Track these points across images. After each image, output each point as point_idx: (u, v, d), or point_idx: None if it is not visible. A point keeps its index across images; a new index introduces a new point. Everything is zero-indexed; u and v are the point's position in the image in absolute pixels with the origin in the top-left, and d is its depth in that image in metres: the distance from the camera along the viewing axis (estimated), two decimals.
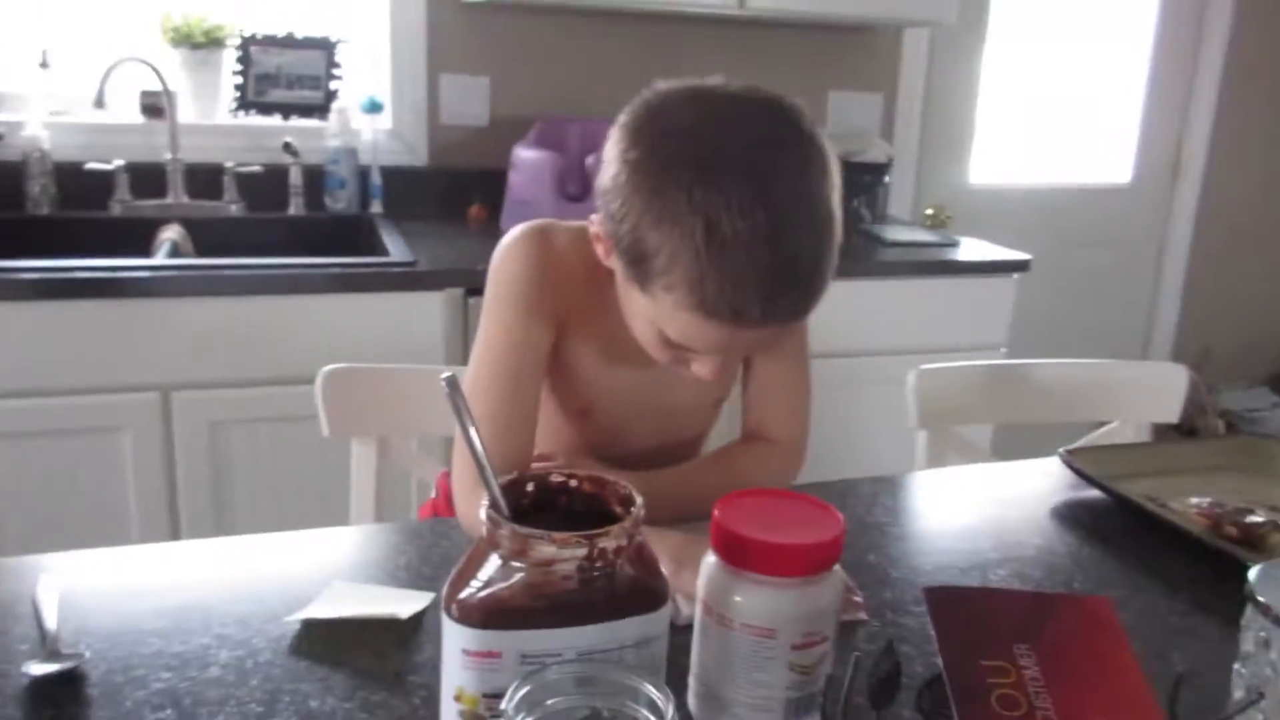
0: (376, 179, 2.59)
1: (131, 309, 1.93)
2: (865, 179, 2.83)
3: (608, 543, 0.63)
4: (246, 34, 2.53)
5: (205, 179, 2.50)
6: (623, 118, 0.92)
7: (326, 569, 0.98)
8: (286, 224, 2.54)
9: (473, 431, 0.68)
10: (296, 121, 2.60)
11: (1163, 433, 1.70)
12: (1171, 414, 1.62)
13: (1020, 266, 2.58)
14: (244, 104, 2.56)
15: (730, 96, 0.91)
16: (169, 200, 2.46)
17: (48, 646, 0.80)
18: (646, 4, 2.55)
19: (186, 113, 2.51)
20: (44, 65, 2.40)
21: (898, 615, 0.94)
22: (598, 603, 0.63)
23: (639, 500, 0.67)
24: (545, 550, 0.62)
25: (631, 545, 0.65)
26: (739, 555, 0.70)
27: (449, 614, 0.64)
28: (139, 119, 2.48)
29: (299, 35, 2.57)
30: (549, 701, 0.57)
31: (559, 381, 1.13)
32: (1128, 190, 3.62)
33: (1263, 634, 0.67)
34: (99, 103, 2.30)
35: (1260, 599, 0.67)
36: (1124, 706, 0.67)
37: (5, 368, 1.88)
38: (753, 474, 1.12)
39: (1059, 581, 1.02)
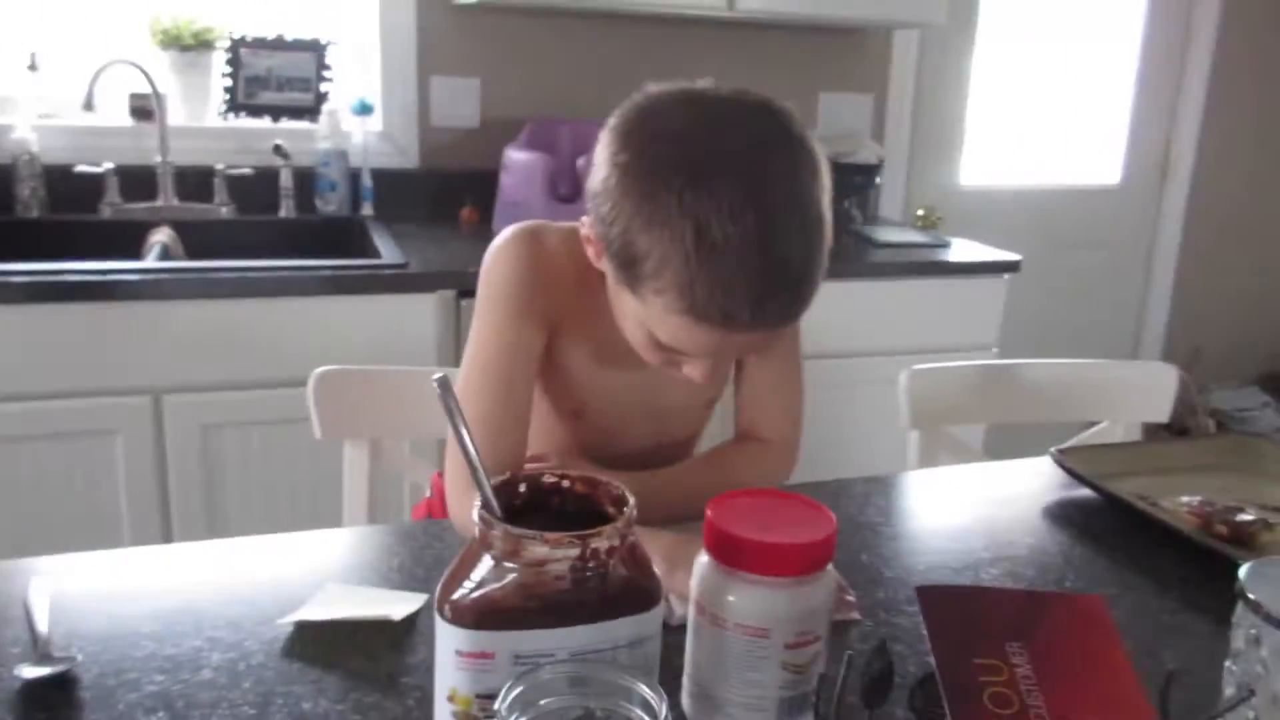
0: (367, 181, 2.58)
1: (122, 312, 1.92)
2: (856, 180, 2.83)
3: (600, 543, 0.63)
4: (236, 36, 2.53)
5: (195, 181, 2.49)
6: (613, 120, 0.92)
7: (319, 571, 0.98)
8: (277, 226, 2.54)
9: (465, 432, 0.68)
10: (287, 124, 2.59)
11: (1153, 432, 1.70)
12: (1162, 414, 1.62)
13: (1011, 267, 2.58)
14: (234, 106, 2.56)
15: (720, 100, 0.91)
16: (159, 203, 2.45)
17: (39, 650, 0.80)
18: (637, 5, 2.55)
19: (176, 115, 2.50)
20: (33, 68, 2.39)
21: (890, 615, 0.94)
22: (591, 603, 0.63)
23: (631, 500, 0.67)
24: (538, 550, 0.62)
25: (624, 545, 0.65)
26: (732, 555, 0.70)
27: (442, 615, 0.63)
28: (128, 121, 2.48)
29: (289, 37, 2.56)
30: (542, 702, 0.57)
31: (551, 382, 1.13)
32: (1117, 191, 3.63)
33: (1253, 631, 0.68)
34: (88, 105, 2.29)
35: (1251, 596, 0.68)
36: (1116, 704, 0.68)
37: None
38: (745, 474, 1.12)
39: (1051, 580, 1.03)
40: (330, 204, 2.56)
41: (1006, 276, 2.59)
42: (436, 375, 0.68)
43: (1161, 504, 1.15)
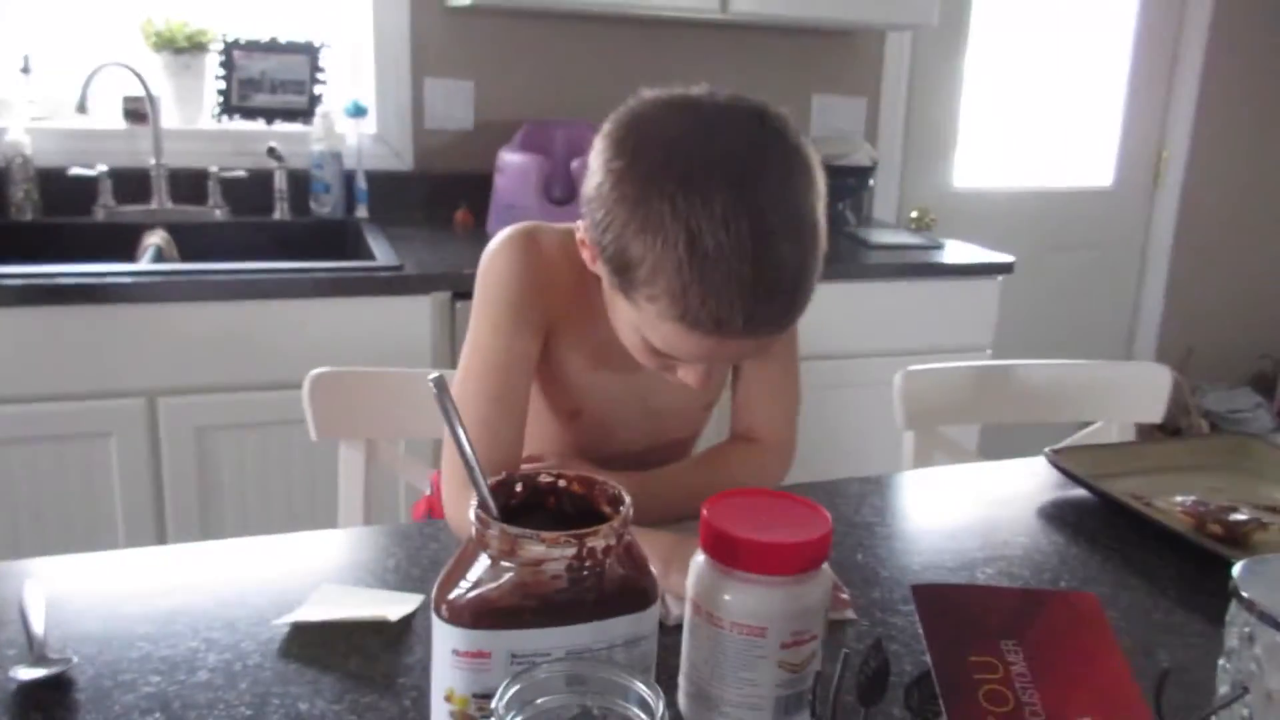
0: (361, 183, 2.58)
1: (116, 314, 1.92)
2: (850, 182, 2.84)
3: (597, 542, 0.63)
4: (229, 39, 2.53)
5: (189, 184, 2.49)
6: (607, 126, 0.92)
7: (315, 572, 0.98)
8: (271, 229, 2.53)
9: (461, 432, 0.68)
10: (281, 126, 2.59)
11: (1147, 433, 1.71)
12: (1155, 414, 1.63)
13: (1004, 269, 2.59)
14: (228, 109, 2.56)
15: (715, 106, 0.90)
16: (153, 205, 2.45)
17: (35, 651, 0.80)
18: (630, 8, 2.55)
19: (170, 118, 2.50)
20: (25, 70, 2.39)
21: (886, 614, 0.94)
22: (587, 602, 0.64)
23: (627, 500, 0.67)
24: (534, 550, 0.62)
25: (620, 544, 0.65)
26: (728, 554, 0.70)
27: (438, 614, 0.64)
28: (122, 124, 2.48)
29: (282, 40, 2.56)
30: (539, 700, 0.57)
31: (548, 383, 1.13)
32: (1110, 193, 3.64)
33: (1247, 629, 0.68)
34: (82, 108, 2.29)
35: (1244, 595, 0.68)
36: (1111, 702, 0.68)
37: None
38: (741, 474, 1.12)
39: (1046, 580, 1.03)
40: (324, 206, 2.56)
41: (1000, 278, 2.60)
42: (432, 375, 0.68)
43: (1156, 504, 1.16)
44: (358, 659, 0.83)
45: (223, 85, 2.54)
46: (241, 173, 2.51)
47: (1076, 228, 3.59)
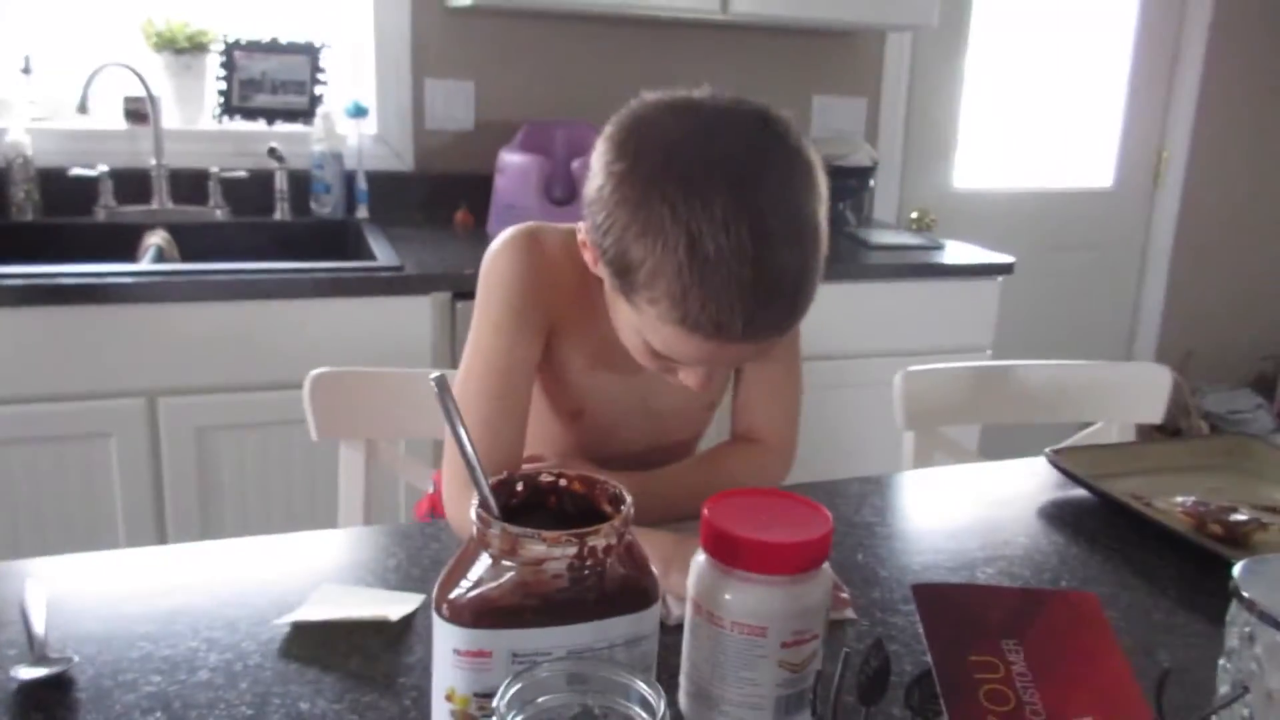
0: (362, 184, 2.58)
1: (117, 314, 1.92)
2: (850, 183, 2.84)
3: (598, 541, 0.63)
4: (230, 39, 2.53)
5: (190, 184, 2.49)
6: (608, 128, 0.92)
7: (315, 572, 0.98)
8: (272, 229, 2.54)
9: (462, 431, 0.68)
10: (281, 126, 2.59)
11: (1147, 433, 1.71)
12: (1155, 415, 1.63)
13: (1004, 269, 2.59)
14: (228, 109, 2.56)
15: (716, 109, 0.90)
16: (154, 206, 2.45)
17: (36, 651, 0.80)
18: (630, 8, 2.55)
19: (171, 118, 2.50)
20: (26, 71, 2.39)
21: (886, 614, 0.94)
22: (588, 601, 0.64)
23: (628, 499, 0.67)
24: (535, 549, 0.62)
25: (621, 544, 0.65)
26: (729, 554, 0.70)
27: (439, 613, 0.64)
28: (123, 124, 2.48)
29: (283, 40, 2.56)
30: (540, 699, 0.57)
31: (550, 384, 1.13)
32: (1110, 193, 3.64)
33: (1247, 629, 0.68)
34: (82, 108, 2.29)
35: (1244, 594, 0.68)
36: (1111, 701, 0.68)
37: None
38: (742, 474, 1.12)
39: (1046, 580, 1.03)
40: (325, 206, 2.56)
41: (1000, 279, 2.60)
42: (434, 375, 0.68)
43: (1156, 504, 1.16)
44: (358, 659, 0.83)
45: (223, 86, 2.55)
46: (242, 173, 2.51)
47: (1076, 228, 3.59)
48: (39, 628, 0.82)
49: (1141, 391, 1.64)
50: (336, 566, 1.01)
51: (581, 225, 0.97)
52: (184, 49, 2.47)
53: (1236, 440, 1.38)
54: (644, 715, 0.56)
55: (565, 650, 0.63)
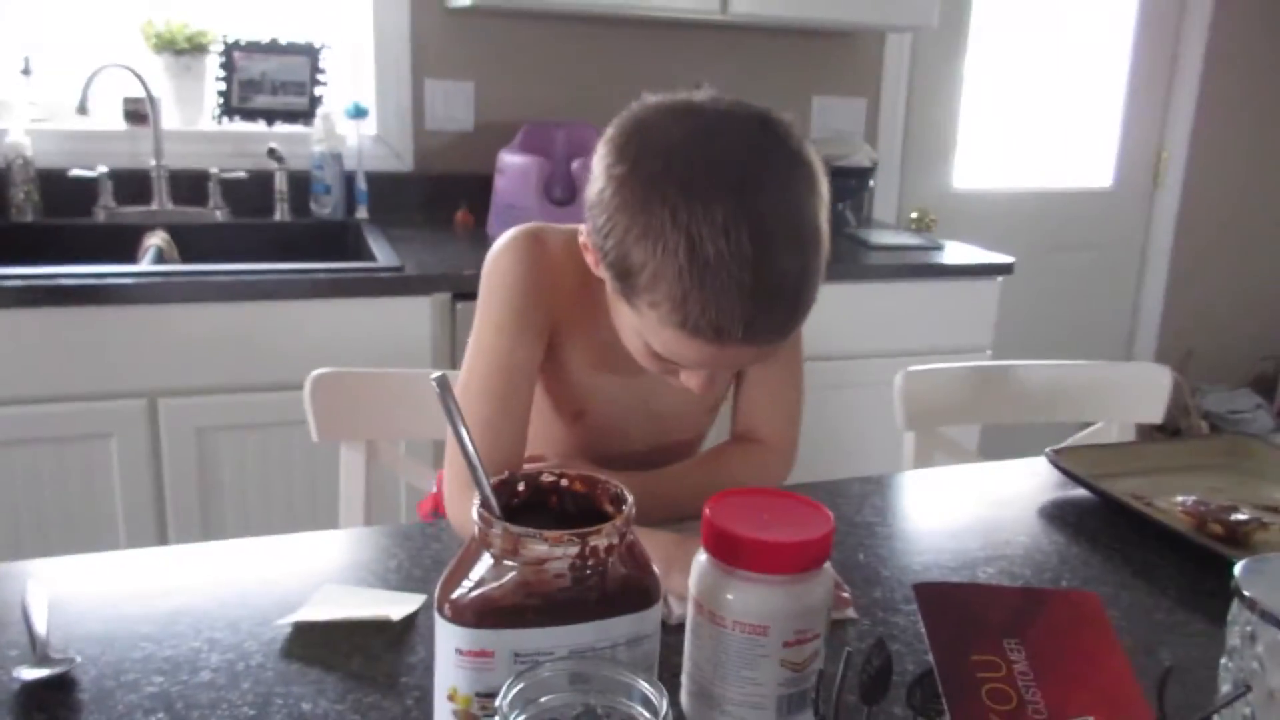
0: (362, 184, 2.58)
1: (117, 315, 1.92)
2: (850, 183, 2.84)
3: (599, 541, 0.63)
4: (230, 40, 2.53)
5: (190, 185, 2.49)
6: (609, 131, 0.92)
7: (317, 572, 0.98)
8: (272, 230, 2.54)
9: (464, 431, 0.68)
10: (281, 127, 2.59)
11: (1147, 433, 1.71)
12: (1155, 414, 1.63)
13: (1004, 269, 2.59)
14: (228, 110, 2.56)
15: (717, 112, 0.89)
16: (154, 206, 2.45)
17: (38, 652, 0.80)
18: (630, 8, 2.55)
19: (170, 119, 2.50)
20: (26, 72, 2.39)
21: (888, 614, 0.94)
22: (590, 601, 0.64)
23: (630, 499, 0.67)
24: (537, 549, 0.62)
25: (623, 543, 0.65)
26: (730, 553, 0.70)
27: (441, 613, 0.64)
28: (122, 125, 2.48)
29: (283, 41, 2.56)
30: (543, 699, 0.57)
31: (552, 385, 1.13)
32: (1109, 193, 3.64)
33: (1248, 628, 0.68)
34: (82, 109, 2.29)
35: (1246, 593, 0.68)
36: (1113, 700, 0.68)
37: None
38: (743, 475, 1.12)
39: (1047, 579, 1.03)
40: (325, 207, 2.56)
41: (1000, 279, 2.60)
42: (435, 375, 0.68)
43: (1156, 504, 1.16)
44: (360, 659, 0.83)
45: (223, 86, 2.55)
46: (242, 174, 2.51)
47: (1076, 228, 3.59)
48: (41, 628, 0.82)
49: (1141, 391, 1.64)
50: (338, 567, 1.01)
51: (583, 227, 0.97)
52: (184, 50, 2.47)
53: (1236, 440, 1.38)
54: (646, 715, 0.56)
55: (567, 650, 0.63)
